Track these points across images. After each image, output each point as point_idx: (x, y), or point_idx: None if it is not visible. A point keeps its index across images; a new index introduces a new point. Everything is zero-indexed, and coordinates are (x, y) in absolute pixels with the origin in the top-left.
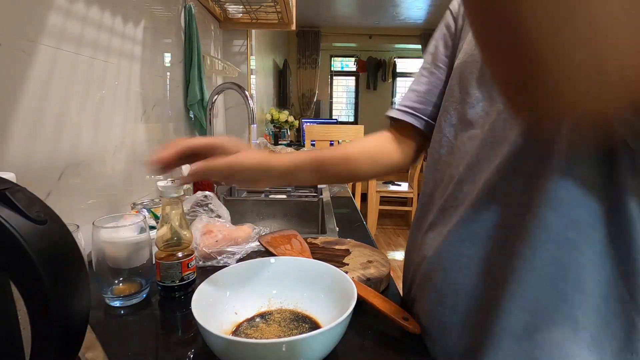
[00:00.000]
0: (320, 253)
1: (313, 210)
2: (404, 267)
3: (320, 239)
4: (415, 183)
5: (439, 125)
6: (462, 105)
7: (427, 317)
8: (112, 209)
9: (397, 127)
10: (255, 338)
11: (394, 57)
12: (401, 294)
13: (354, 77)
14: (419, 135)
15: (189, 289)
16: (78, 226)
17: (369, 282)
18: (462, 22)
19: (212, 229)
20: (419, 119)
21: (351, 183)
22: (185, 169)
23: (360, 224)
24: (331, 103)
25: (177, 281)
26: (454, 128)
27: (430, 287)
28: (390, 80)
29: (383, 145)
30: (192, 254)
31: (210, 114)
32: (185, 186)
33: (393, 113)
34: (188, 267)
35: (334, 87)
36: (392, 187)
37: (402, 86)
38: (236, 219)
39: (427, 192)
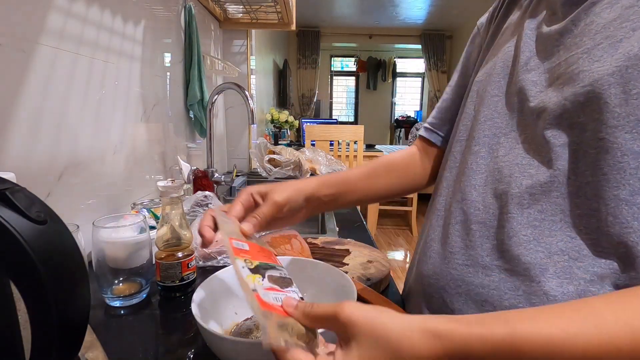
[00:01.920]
0: (320, 253)
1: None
2: (409, 267)
3: (320, 239)
4: None
5: (450, 141)
6: (474, 123)
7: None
8: (112, 209)
9: (422, 142)
10: (255, 338)
11: (394, 57)
12: (401, 293)
13: (353, 77)
14: (438, 151)
15: (189, 289)
16: (78, 226)
17: (369, 282)
18: (487, 39)
19: None
20: (434, 134)
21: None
22: (185, 167)
23: (360, 224)
24: (331, 103)
25: (177, 281)
26: (459, 145)
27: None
28: (390, 80)
29: (408, 158)
30: (192, 254)
31: (210, 114)
32: (185, 186)
33: (420, 132)
34: (188, 267)
35: (334, 87)
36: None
37: (402, 86)
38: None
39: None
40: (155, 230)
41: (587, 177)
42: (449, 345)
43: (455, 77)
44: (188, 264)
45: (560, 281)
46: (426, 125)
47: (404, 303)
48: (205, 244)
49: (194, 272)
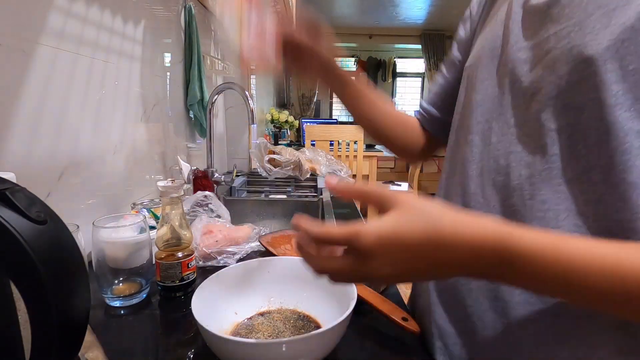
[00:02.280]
0: None
1: (313, 210)
2: None
3: None
4: (415, 183)
5: (451, 130)
6: (466, 111)
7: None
8: (112, 209)
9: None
10: (256, 338)
11: (394, 57)
12: (405, 293)
13: (353, 78)
14: (427, 133)
15: (189, 289)
16: (78, 226)
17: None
18: (478, 22)
19: (212, 229)
20: (424, 118)
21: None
22: (185, 167)
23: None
24: (331, 103)
25: (177, 281)
26: (454, 135)
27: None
28: (390, 80)
29: (413, 123)
30: (192, 254)
31: (210, 114)
32: (185, 186)
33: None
34: (188, 267)
35: None
36: (393, 187)
37: (402, 86)
38: (236, 219)
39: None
40: (155, 230)
41: (592, 161)
42: (493, 235)
43: (446, 64)
44: (188, 264)
45: None
46: (420, 109)
47: (412, 299)
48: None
49: (194, 272)
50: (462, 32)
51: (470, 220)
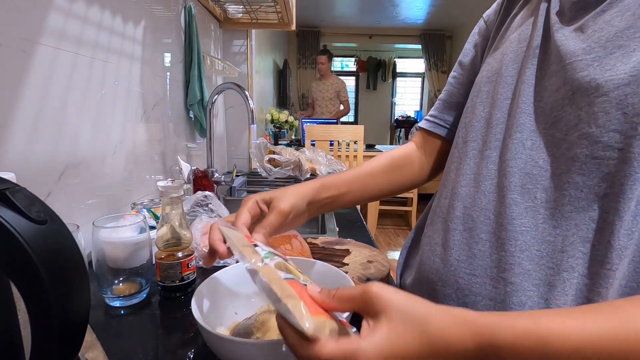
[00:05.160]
0: (320, 253)
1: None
2: (402, 264)
3: (320, 239)
4: None
5: (457, 142)
6: (486, 127)
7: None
8: (112, 209)
9: (422, 136)
10: (255, 338)
11: (394, 57)
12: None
13: (353, 77)
14: (441, 143)
15: (189, 289)
16: (78, 226)
17: (368, 282)
18: (493, 32)
19: None
20: (438, 126)
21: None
22: (185, 167)
23: (360, 224)
24: None
25: (177, 281)
26: (469, 147)
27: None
28: (390, 80)
29: (406, 156)
30: (192, 254)
31: (210, 114)
32: (185, 186)
33: (420, 123)
34: (188, 267)
35: None
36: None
37: (402, 86)
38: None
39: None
40: (156, 230)
41: (604, 189)
42: (476, 330)
43: (458, 70)
44: (188, 264)
45: (566, 299)
46: (428, 117)
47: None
48: (221, 257)
49: (194, 272)
50: (478, 41)
51: (454, 320)
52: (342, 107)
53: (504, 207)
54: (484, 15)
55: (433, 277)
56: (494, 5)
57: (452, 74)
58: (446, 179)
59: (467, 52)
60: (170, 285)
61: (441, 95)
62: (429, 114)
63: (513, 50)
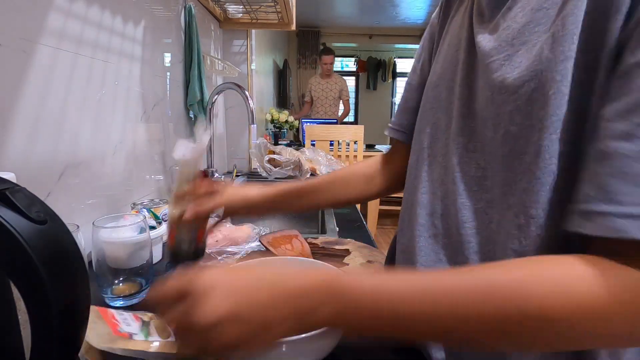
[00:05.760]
0: (320, 253)
1: (313, 210)
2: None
3: (320, 239)
4: None
5: (415, 149)
6: (435, 132)
7: None
8: (112, 209)
9: (391, 147)
10: None
11: (394, 57)
12: None
13: (353, 77)
14: (405, 150)
15: (199, 258)
16: (78, 226)
17: None
18: (437, 36)
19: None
20: (395, 131)
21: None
22: (198, 140)
23: (360, 224)
24: None
25: (192, 245)
26: (418, 147)
27: None
28: (390, 80)
29: (368, 169)
30: (207, 225)
31: (210, 114)
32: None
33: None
34: (203, 236)
35: None
36: None
37: (402, 86)
38: (236, 219)
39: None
40: (155, 230)
41: (524, 184)
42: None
43: (411, 74)
44: (203, 233)
45: None
46: (389, 124)
47: None
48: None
49: (204, 243)
50: (427, 43)
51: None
52: (342, 107)
53: (456, 212)
54: (432, 17)
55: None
56: (437, 8)
57: (407, 79)
58: (408, 185)
59: (418, 56)
60: (182, 251)
61: (399, 102)
62: (391, 121)
63: (451, 53)
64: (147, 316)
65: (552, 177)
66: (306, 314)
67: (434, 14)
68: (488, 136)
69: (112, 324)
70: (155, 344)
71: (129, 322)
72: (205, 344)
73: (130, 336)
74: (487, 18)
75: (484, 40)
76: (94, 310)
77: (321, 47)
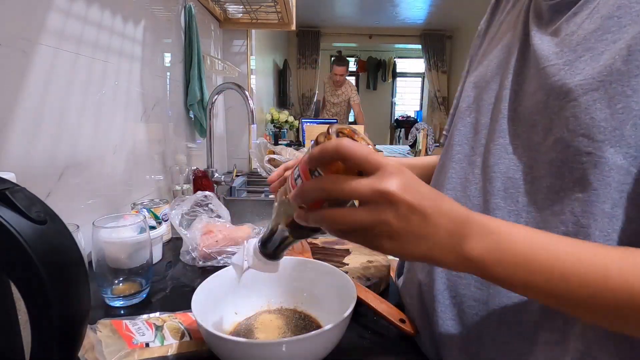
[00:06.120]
0: (320, 253)
1: None
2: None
3: (320, 239)
4: None
5: (448, 149)
6: (474, 134)
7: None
8: (112, 209)
9: None
10: (255, 338)
11: (394, 57)
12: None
13: (353, 77)
14: None
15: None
16: (78, 226)
17: (368, 282)
18: (481, 38)
19: (212, 229)
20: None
21: None
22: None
23: None
24: None
25: None
26: (449, 145)
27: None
28: (390, 80)
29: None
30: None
31: (210, 114)
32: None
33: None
34: None
35: None
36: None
37: (402, 86)
38: (236, 219)
39: None
40: (155, 230)
41: (576, 193)
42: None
43: (460, 82)
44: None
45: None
46: (444, 132)
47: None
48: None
49: None
50: (472, 52)
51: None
52: (352, 111)
53: (488, 212)
54: (479, 26)
55: (421, 278)
56: (485, 16)
57: (459, 87)
58: (434, 183)
59: (466, 64)
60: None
61: (451, 110)
62: (445, 128)
63: (497, 56)
64: (159, 320)
65: (609, 190)
66: (462, 240)
67: (482, 21)
68: (535, 140)
69: (127, 337)
70: (172, 347)
71: (143, 331)
72: (382, 216)
73: (146, 345)
74: (547, 21)
75: (543, 44)
76: (107, 324)
77: (335, 56)
